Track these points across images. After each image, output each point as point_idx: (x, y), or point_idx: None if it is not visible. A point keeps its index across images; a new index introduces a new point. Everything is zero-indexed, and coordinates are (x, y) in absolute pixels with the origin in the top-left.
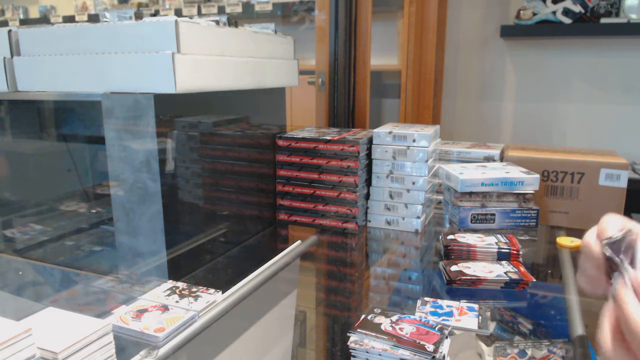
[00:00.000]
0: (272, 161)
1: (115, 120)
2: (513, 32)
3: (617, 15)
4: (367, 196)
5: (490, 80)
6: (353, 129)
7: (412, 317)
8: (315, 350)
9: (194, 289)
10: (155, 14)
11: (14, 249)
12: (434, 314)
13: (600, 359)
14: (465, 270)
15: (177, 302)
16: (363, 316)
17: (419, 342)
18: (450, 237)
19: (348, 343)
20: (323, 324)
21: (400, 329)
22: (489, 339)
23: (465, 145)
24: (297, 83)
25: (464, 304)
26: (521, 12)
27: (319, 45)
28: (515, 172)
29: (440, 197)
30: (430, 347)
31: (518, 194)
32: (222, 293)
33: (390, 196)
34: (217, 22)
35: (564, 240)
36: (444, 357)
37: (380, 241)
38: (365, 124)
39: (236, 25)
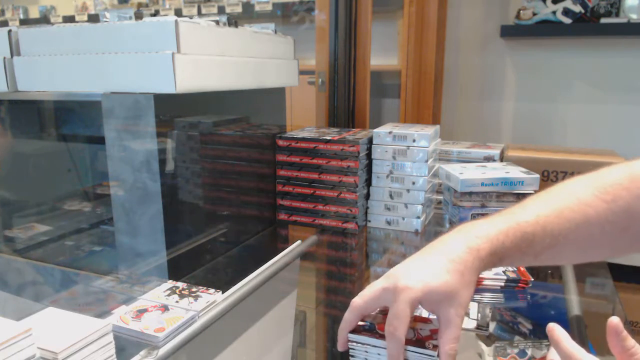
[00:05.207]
0: (272, 161)
1: (115, 120)
2: (513, 32)
3: (617, 15)
4: (367, 196)
5: (490, 80)
6: (353, 129)
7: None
8: (315, 350)
9: (194, 289)
10: (155, 14)
11: (14, 249)
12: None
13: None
14: None
15: (177, 302)
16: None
17: (418, 342)
18: None
19: (347, 343)
20: (323, 324)
21: None
22: (489, 339)
23: (465, 145)
24: (297, 83)
25: None
26: (521, 12)
27: (319, 45)
28: (515, 172)
29: (440, 197)
30: (430, 347)
31: (518, 194)
32: (222, 293)
33: (390, 196)
34: (217, 22)
35: None
36: None
37: (380, 241)
38: (365, 124)
39: (236, 25)
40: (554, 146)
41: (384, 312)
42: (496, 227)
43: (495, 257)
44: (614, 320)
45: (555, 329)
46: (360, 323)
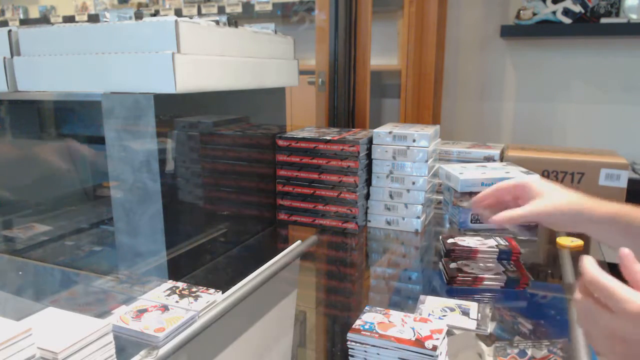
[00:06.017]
0: (272, 161)
1: (115, 120)
2: (513, 32)
3: (617, 15)
4: (367, 196)
5: (490, 80)
6: (353, 129)
7: (411, 316)
8: (315, 350)
9: (194, 289)
10: (155, 14)
11: (14, 249)
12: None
13: (601, 358)
14: (464, 269)
15: (177, 302)
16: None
17: (418, 342)
18: (451, 240)
19: (347, 342)
20: (323, 324)
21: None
22: (489, 339)
23: (465, 145)
24: (297, 83)
25: (462, 301)
26: (521, 12)
27: (319, 45)
28: (515, 172)
29: (440, 197)
30: (429, 347)
31: None
32: (222, 293)
33: (390, 196)
34: (217, 22)
35: (564, 240)
36: (443, 356)
37: (380, 241)
38: (365, 124)
39: (236, 25)
40: (554, 146)
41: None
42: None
43: (598, 217)
44: (625, 250)
45: (584, 260)
46: (360, 323)
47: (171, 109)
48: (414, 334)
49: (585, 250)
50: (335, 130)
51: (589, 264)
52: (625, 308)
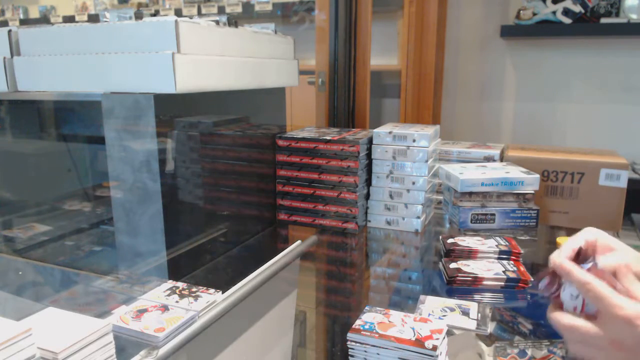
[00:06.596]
0: (272, 161)
1: (115, 120)
2: (513, 32)
3: (617, 15)
4: (367, 196)
5: (490, 80)
6: (353, 129)
7: (411, 316)
8: (315, 350)
9: (194, 289)
10: (155, 14)
11: (14, 249)
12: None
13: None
14: (464, 268)
15: (177, 302)
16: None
17: (418, 342)
18: (451, 240)
19: (347, 342)
20: (323, 324)
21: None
22: (489, 339)
23: (465, 145)
24: (297, 83)
25: (462, 301)
26: (521, 12)
27: (319, 45)
28: (515, 172)
29: (440, 197)
30: (429, 347)
31: (518, 194)
32: (222, 293)
33: (390, 196)
34: (217, 22)
35: (564, 240)
36: (443, 356)
37: (380, 241)
38: (365, 124)
39: (236, 25)
40: (554, 146)
41: (386, 313)
42: None
43: None
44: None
45: (563, 264)
46: (360, 323)
47: (171, 109)
48: (414, 334)
49: None
50: (335, 130)
51: (572, 267)
52: (617, 313)
